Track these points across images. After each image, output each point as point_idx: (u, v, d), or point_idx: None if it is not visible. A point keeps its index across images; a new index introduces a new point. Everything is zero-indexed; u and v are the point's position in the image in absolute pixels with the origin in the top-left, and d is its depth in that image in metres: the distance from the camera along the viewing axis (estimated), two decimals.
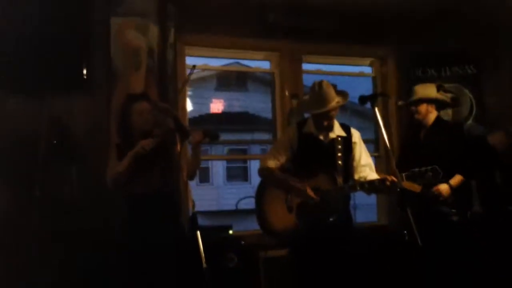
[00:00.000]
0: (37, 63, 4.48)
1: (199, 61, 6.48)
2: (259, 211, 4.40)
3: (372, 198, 6.41)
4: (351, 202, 4.38)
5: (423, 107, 4.74)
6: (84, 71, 4.72)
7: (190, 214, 3.36)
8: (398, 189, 3.80)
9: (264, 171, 4.34)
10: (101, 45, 4.97)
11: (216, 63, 7.41)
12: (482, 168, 4.75)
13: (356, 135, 4.30)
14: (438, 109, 4.84)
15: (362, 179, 4.15)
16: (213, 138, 3.99)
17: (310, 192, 4.06)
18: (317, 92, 4.10)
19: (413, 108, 4.77)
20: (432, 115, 4.77)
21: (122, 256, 3.92)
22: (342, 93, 4.20)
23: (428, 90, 4.84)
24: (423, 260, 4.12)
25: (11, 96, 4.62)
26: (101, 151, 4.47)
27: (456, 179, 4.52)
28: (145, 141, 3.84)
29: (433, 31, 6.12)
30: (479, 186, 4.97)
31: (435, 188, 4.47)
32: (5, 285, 3.59)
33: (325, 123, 4.16)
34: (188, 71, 4.66)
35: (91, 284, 4.49)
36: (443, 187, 4.50)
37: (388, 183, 3.89)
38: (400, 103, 5.02)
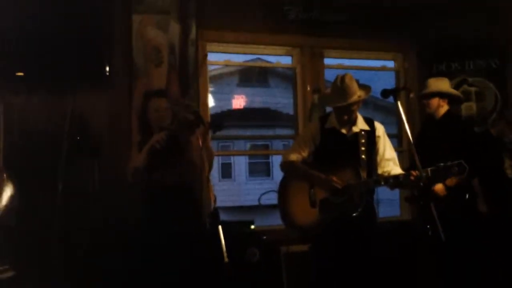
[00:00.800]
0: (60, 60, 4.52)
1: (221, 57, 6.51)
2: (282, 205, 4.41)
3: (395, 193, 6.39)
4: (374, 197, 4.36)
5: (434, 101, 4.69)
6: (107, 68, 4.75)
7: (212, 209, 3.37)
8: (422, 184, 3.77)
9: (286, 165, 4.34)
10: (122, 42, 5.02)
11: (238, 59, 7.42)
12: (486, 166, 4.62)
13: (380, 129, 4.27)
14: (452, 103, 4.78)
15: (386, 174, 4.13)
16: (217, 128, 4.00)
17: (334, 178, 4.04)
18: (339, 86, 4.09)
19: (424, 101, 4.73)
20: (443, 109, 4.70)
21: (142, 250, 3.96)
22: (364, 87, 4.17)
23: (441, 84, 4.78)
24: (446, 255, 4.10)
25: (35, 93, 4.67)
26: (122, 147, 4.53)
27: (453, 178, 4.33)
28: (157, 135, 3.89)
29: (455, 24, 6.04)
30: (484, 184, 4.85)
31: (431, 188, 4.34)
32: (26, 274, 3.63)
33: (345, 117, 4.14)
34: (211, 68, 4.70)
35: (111, 277, 4.53)
36: (438, 187, 4.42)
37: (412, 178, 3.86)
38: (411, 95, 4.95)
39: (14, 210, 3.37)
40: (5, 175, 3.63)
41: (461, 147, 4.37)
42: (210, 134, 4.12)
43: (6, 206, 3.35)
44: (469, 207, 4.56)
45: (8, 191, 3.38)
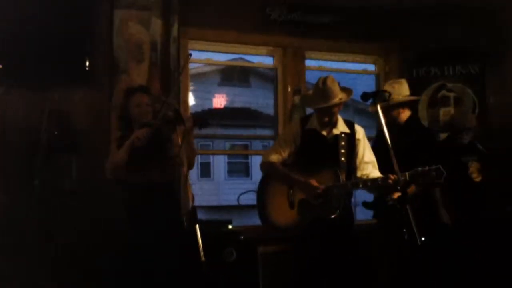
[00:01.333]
0: (40, 55, 4.49)
1: (202, 56, 6.48)
2: (261, 206, 4.42)
3: (372, 197, 6.40)
4: (352, 200, 4.38)
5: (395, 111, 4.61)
6: (87, 64, 4.72)
7: (190, 207, 3.36)
8: (399, 187, 3.79)
9: (266, 165, 4.34)
10: (104, 38, 4.97)
11: (220, 58, 7.39)
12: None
13: (360, 132, 4.29)
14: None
15: (365, 177, 4.14)
16: (202, 126, 3.98)
17: (314, 182, 4.05)
18: (321, 88, 4.11)
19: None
20: (405, 114, 4.66)
21: (121, 247, 3.94)
22: (346, 90, 4.20)
23: (401, 90, 4.67)
24: (423, 259, 4.12)
25: (14, 87, 4.62)
26: (101, 143, 4.50)
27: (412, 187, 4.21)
28: (139, 131, 3.88)
29: (436, 29, 6.09)
30: (447, 193, 4.70)
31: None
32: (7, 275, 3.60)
33: (326, 119, 4.16)
34: (192, 66, 4.64)
35: (91, 274, 4.51)
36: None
37: (390, 181, 3.88)
38: (370, 109, 4.81)
39: None
40: None
41: (421, 153, 4.34)
42: (194, 132, 4.11)
43: None
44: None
45: None
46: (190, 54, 4.06)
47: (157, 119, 3.94)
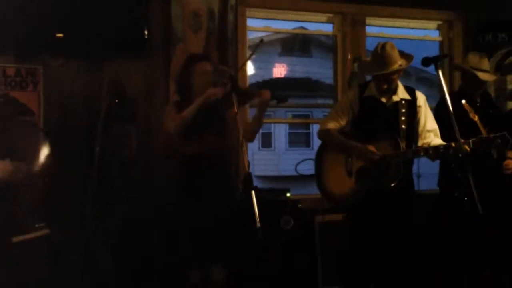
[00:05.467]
0: (99, 24, 4.54)
1: (260, 23, 6.43)
2: (319, 174, 4.41)
3: (436, 167, 6.27)
4: (415, 170, 4.27)
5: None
6: (145, 33, 4.75)
7: (245, 173, 3.35)
8: (460, 155, 3.68)
9: (323, 133, 4.29)
10: (161, 7, 4.98)
11: (279, 26, 7.32)
12: None
13: (421, 99, 4.18)
14: None
15: (426, 145, 4.03)
16: (281, 101, 3.97)
17: (371, 148, 3.98)
18: (379, 54, 4.01)
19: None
20: None
21: (178, 216, 3.99)
22: (406, 56, 4.09)
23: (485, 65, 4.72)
24: (484, 228, 4.03)
25: (73, 56, 4.70)
26: (158, 112, 4.54)
27: None
28: (214, 89, 3.84)
29: None
30: None
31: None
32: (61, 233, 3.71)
33: (385, 86, 4.06)
34: (251, 35, 4.57)
35: (145, 243, 4.61)
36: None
37: (452, 150, 3.77)
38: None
39: (50, 170, 3.42)
40: (42, 135, 3.69)
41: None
42: (248, 102, 4.09)
43: (43, 165, 3.41)
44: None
45: (45, 150, 3.44)
46: (262, 40, 4.02)
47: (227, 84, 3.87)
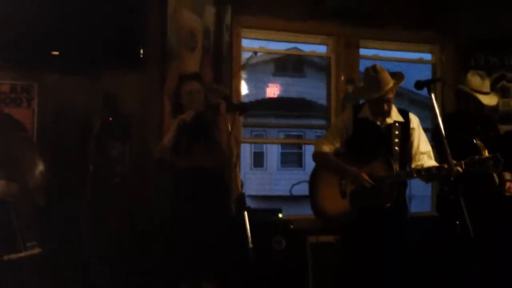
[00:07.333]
0: (94, 42, 4.56)
1: (255, 44, 6.47)
2: (313, 195, 4.39)
3: (428, 189, 6.29)
4: (407, 192, 4.28)
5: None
6: (141, 50, 4.77)
7: (238, 194, 3.36)
8: (452, 178, 3.70)
9: (318, 155, 4.30)
10: (157, 25, 5.02)
11: (274, 47, 7.35)
12: None
13: (414, 121, 4.19)
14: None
15: (419, 167, 4.05)
16: (242, 111, 4.00)
17: (364, 176, 3.99)
18: (373, 77, 4.03)
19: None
20: None
21: (171, 230, 3.99)
22: (396, 75, 4.11)
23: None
24: (475, 251, 4.02)
25: (69, 72, 4.72)
26: (153, 129, 4.56)
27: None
28: (185, 113, 3.91)
29: (496, 17, 5.92)
30: None
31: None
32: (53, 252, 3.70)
33: (385, 107, 4.06)
34: (245, 55, 4.62)
35: (139, 259, 4.59)
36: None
37: (444, 171, 3.79)
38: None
39: (44, 187, 3.41)
40: (37, 151, 3.69)
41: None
42: (240, 119, 4.12)
43: (37, 181, 3.40)
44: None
45: (40, 167, 3.43)
46: (256, 53, 4.07)
47: (205, 104, 3.97)
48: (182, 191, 3.99)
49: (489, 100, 4.58)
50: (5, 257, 3.13)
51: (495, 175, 4.32)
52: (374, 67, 4.05)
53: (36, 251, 3.28)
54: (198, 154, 3.97)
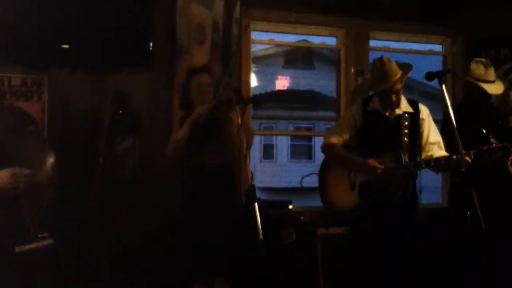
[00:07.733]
0: (104, 36, 4.57)
1: (266, 37, 6.47)
2: (322, 188, 4.40)
3: (438, 181, 6.28)
4: (417, 184, 4.27)
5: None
6: (150, 45, 4.78)
7: (248, 185, 3.36)
8: (463, 169, 3.69)
9: (327, 148, 4.30)
10: (166, 19, 5.02)
11: (283, 40, 7.36)
12: None
13: (424, 112, 4.16)
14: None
15: (429, 158, 4.01)
16: (256, 103, 3.99)
17: (372, 163, 3.98)
18: (380, 69, 4.01)
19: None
20: None
21: (181, 228, 4.00)
22: (404, 66, 4.09)
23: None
24: (486, 242, 4.01)
25: (79, 67, 4.73)
26: (162, 123, 4.56)
27: None
28: (200, 108, 3.90)
29: (507, 9, 5.87)
30: None
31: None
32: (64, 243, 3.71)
33: (394, 98, 4.04)
34: (254, 48, 4.56)
35: (150, 255, 4.60)
36: None
37: (454, 162, 3.77)
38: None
39: (54, 181, 3.42)
40: (47, 145, 3.70)
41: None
42: (250, 112, 4.11)
43: (47, 174, 3.41)
44: None
45: (50, 160, 3.44)
46: (247, 27, 4.04)
47: (216, 98, 3.96)
48: (193, 189, 3.98)
49: (495, 88, 4.50)
50: (17, 249, 3.14)
51: (509, 165, 4.26)
52: (381, 59, 4.03)
53: (47, 242, 3.29)
54: (211, 151, 3.96)
